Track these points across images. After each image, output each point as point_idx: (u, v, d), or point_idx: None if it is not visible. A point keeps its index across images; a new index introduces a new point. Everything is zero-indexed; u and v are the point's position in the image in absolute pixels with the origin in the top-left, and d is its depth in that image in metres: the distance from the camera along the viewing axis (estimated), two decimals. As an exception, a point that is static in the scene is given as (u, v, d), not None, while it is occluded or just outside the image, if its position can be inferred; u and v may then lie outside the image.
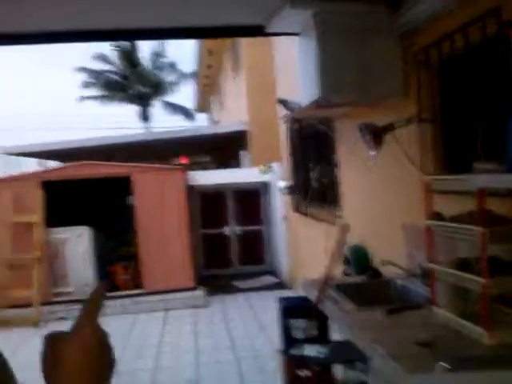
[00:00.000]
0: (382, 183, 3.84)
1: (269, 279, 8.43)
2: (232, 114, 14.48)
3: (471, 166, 2.17)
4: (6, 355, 0.76)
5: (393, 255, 3.56)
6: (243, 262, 8.75)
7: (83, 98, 26.90)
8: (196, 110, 26.89)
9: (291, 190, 6.78)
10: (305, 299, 3.61)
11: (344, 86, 3.23)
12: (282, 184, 6.85)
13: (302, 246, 7.08)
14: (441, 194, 2.39)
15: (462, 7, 2.51)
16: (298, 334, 4.13)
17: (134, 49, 26.99)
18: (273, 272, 8.67)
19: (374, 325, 2.36)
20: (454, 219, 2.27)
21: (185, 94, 28.70)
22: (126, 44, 26.60)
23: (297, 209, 6.92)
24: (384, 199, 3.82)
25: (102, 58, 26.40)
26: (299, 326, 4.06)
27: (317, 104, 3.53)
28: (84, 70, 26.14)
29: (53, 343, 0.71)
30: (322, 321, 3.31)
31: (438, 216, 2.34)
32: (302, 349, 3.48)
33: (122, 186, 7.42)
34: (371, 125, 2.99)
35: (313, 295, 3.15)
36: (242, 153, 11.56)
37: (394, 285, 3.21)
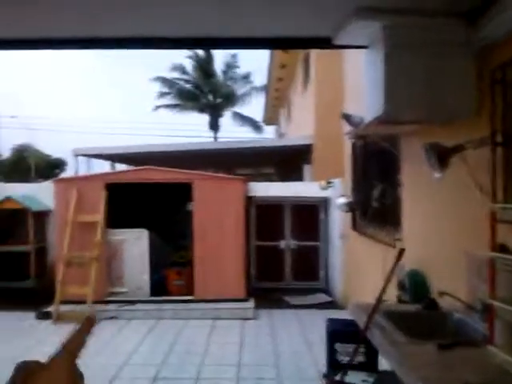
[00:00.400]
0: (446, 208, 3.60)
1: (321, 297, 8.22)
2: (298, 127, 14.42)
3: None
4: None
5: (452, 285, 3.31)
6: (296, 278, 8.59)
7: (158, 107, 27.91)
8: (264, 123, 27.09)
9: (350, 207, 6.57)
10: (353, 323, 3.44)
11: (411, 103, 3.06)
12: (342, 201, 6.65)
13: (358, 266, 6.84)
14: (509, 225, 2.17)
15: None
16: (344, 359, 3.95)
17: (208, 60, 27.69)
18: (326, 290, 8.45)
19: (423, 360, 2.17)
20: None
21: (255, 106, 29.02)
22: (201, 55, 27.39)
23: (355, 227, 6.70)
24: (447, 225, 3.58)
25: (179, 68, 27.27)
26: (345, 350, 3.88)
27: (381, 120, 3.37)
28: (160, 79, 27.09)
29: (24, 373, 0.69)
30: (370, 347, 3.11)
31: (502, 248, 2.12)
32: (345, 375, 3.30)
33: (183, 192, 7.52)
34: (438, 145, 2.79)
35: (361, 320, 2.98)
36: (305, 166, 11.43)
37: (451, 318, 2.98)
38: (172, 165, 7.79)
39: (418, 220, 4.38)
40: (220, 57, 28.35)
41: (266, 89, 20.19)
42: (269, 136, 28.68)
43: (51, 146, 46.50)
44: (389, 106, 3.04)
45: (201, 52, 27.37)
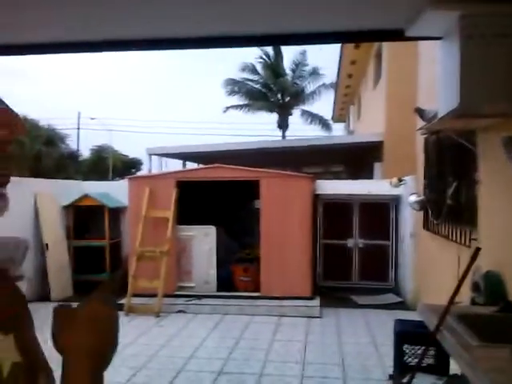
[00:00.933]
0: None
1: (390, 297, 7.99)
2: (369, 124, 14.13)
3: None
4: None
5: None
6: (364, 277, 8.41)
7: (228, 108, 28.37)
8: (333, 120, 26.78)
9: (422, 205, 6.33)
10: (423, 325, 3.31)
11: (489, 95, 2.90)
12: (414, 199, 6.42)
13: (430, 266, 6.58)
14: None
15: None
16: (412, 361, 3.82)
17: (277, 59, 27.76)
18: (395, 290, 8.21)
19: (497, 365, 2.04)
20: None
21: (323, 104, 28.76)
22: (271, 55, 27.51)
23: (427, 226, 6.46)
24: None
25: (249, 68, 27.54)
26: (414, 352, 3.74)
27: (456, 114, 3.22)
28: (230, 80, 27.49)
29: (63, 311, 0.74)
30: (441, 350, 2.98)
31: None
32: (413, 378, 3.18)
33: (250, 190, 7.59)
34: (516, 138, 2.62)
35: (431, 322, 2.85)
36: (375, 164, 11.18)
37: (530, 323, 2.78)
38: (241, 163, 7.88)
39: (496, 219, 4.14)
40: (289, 55, 28.16)
41: (335, 86, 19.93)
42: (337, 134, 28.36)
43: (128, 147, 48.61)
44: (465, 98, 2.89)
45: (270, 52, 27.49)
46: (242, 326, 6.43)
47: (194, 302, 7.29)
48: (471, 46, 2.88)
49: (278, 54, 27.71)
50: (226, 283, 7.63)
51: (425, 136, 6.37)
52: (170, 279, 7.33)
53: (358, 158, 14.73)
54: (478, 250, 2.70)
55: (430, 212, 6.16)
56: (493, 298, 3.76)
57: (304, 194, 7.39)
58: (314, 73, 27.92)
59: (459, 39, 2.90)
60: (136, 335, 6.02)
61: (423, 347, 3.59)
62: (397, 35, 3.39)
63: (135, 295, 7.12)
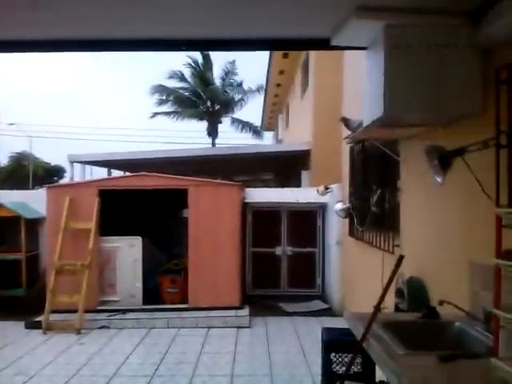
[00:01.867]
0: (447, 213, 3.48)
1: (318, 304, 8.07)
2: (297, 133, 14.34)
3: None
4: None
5: (453, 294, 3.18)
6: (292, 284, 8.45)
7: (156, 114, 27.83)
8: (262, 129, 27.02)
9: (348, 213, 6.45)
10: (350, 332, 3.30)
11: (413, 104, 2.94)
12: (339, 206, 6.53)
13: (355, 273, 6.71)
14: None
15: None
16: (340, 369, 3.81)
17: (207, 67, 27.64)
18: (323, 297, 8.31)
19: (423, 373, 2.04)
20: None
21: (253, 112, 28.93)
22: (200, 62, 27.34)
23: (352, 233, 6.58)
24: (449, 231, 3.45)
25: (177, 76, 27.20)
26: (341, 360, 3.74)
27: (381, 123, 3.26)
28: (159, 87, 27.00)
29: None
30: (368, 357, 2.97)
31: (509, 254, 2.00)
32: (342, 388, 3.16)
33: (178, 199, 7.39)
34: (439, 148, 2.67)
35: (358, 330, 2.84)
36: (303, 172, 11.33)
37: (452, 328, 2.84)
38: (169, 172, 7.67)
39: (417, 226, 4.26)
40: (218, 64, 28.12)
41: (264, 94, 20.12)
42: (268, 142, 28.63)
43: (51, 154, 46.27)
44: (389, 107, 2.92)
45: (199, 59, 27.35)
46: (169, 340, 6.21)
47: (117, 316, 6.96)
48: (396, 56, 2.92)
49: (207, 62, 27.62)
50: (152, 296, 7.37)
51: (350, 145, 6.51)
52: (92, 293, 6.97)
53: (287, 167, 14.90)
54: (401, 257, 2.72)
55: (355, 219, 6.27)
56: (415, 304, 3.84)
57: (233, 202, 7.31)
58: (241, 83, 28.09)
59: (384, 49, 2.93)
60: (55, 354, 5.64)
61: (350, 355, 3.59)
62: (323, 44, 3.41)
63: (54, 311, 6.69)
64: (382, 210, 5.10)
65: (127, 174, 12.20)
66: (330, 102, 10.39)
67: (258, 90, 26.91)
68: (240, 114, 28.98)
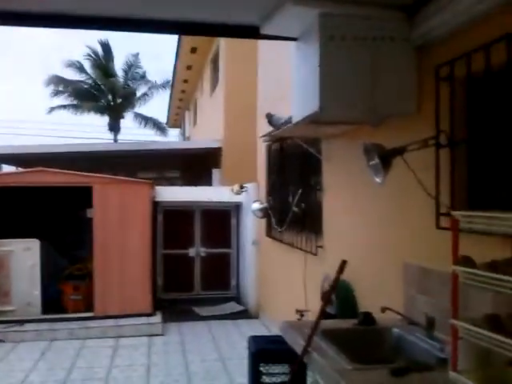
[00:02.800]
0: (381, 214, 3.39)
1: (233, 306, 7.86)
2: (206, 131, 14.01)
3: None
4: None
5: (387, 298, 3.09)
6: (206, 287, 8.16)
7: (53, 108, 26.06)
8: (168, 125, 26.31)
9: (265, 212, 6.29)
10: (278, 340, 3.10)
11: (350, 100, 2.79)
12: (256, 206, 6.35)
13: (273, 274, 6.57)
14: (473, 234, 1.94)
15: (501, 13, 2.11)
16: (269, 380, 3.61)
17: (107, 58, 26.37)
18: (238, 299, 8.11)
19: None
20: (486, 266, 1.83)
21: (158, 108, 28.11)
22: (99, 53, 25.98)
23: (269, 233, 6.43)
24: (381, 232, 3.37)
25: (75, 66, 25.66)
26: (271, 371, 3.53)
27: (314, 119, 3.09)
28: (54, 78, 25.29)
29: None
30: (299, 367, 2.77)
31: (466, 260, 1.88)
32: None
33: (82, 197, 6.78)
34: (379, 146, 2.54)
35: (295, 342, 2.63)
36: (214, 171, 11.04)
37: (390, 334, 2.74)
38: (68, 168, 6.99)
39: (343, 227, 4.17)
40: (118, 55, 26.95)
41: (170, 90, 19.52)
42: (173, 139, 27.93)
43: None
44: (325, 102, 2.74)
45: (100, 50, 25.99)
46: (74, 353, 5.65)
47: (14, 328, 6.24)
48: (331, 48, 2.75)
49: (109, 54, 26.34)
50: (53, 304, 6.69)
51: (267, 143, 6.35)
52: (-18, 304, 6.18)
53: (196, 164, 14.53)
54: (344, 262, 2.55)
55: (273, 219, 6.13)
56: (345, 309, 3.74)
57: (143, 200, 6.85)
58: (145, 75, 27.12)
59: (319, 39, 2.74)
60: None
61: (280, 365, 3.40)
62: (251, 32, 3.16)
63: None
64: (303, 210, 4.97)
65: (20, 169, 11.14)
66: (241, 99, 10.20)
67: (163, 85, 26.17)
68: (144, 109, 28.06)
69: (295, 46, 3.21)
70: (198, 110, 16.80)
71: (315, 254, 4.58)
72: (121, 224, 6.73)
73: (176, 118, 23.85)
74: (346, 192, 4.01)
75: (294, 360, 2.62)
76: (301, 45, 3.13)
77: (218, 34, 3.19)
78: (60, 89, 25.58)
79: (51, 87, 25.16)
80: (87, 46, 25.58)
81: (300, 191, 4.94)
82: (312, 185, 4.74)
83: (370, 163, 2.61)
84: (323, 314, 2.56)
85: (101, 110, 26.58)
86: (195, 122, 17.51)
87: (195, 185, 12.38)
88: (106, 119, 26.88)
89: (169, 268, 7.96)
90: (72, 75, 25.70)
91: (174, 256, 8.00)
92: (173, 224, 7.96)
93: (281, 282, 6.12)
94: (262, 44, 7.23)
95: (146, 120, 27.29)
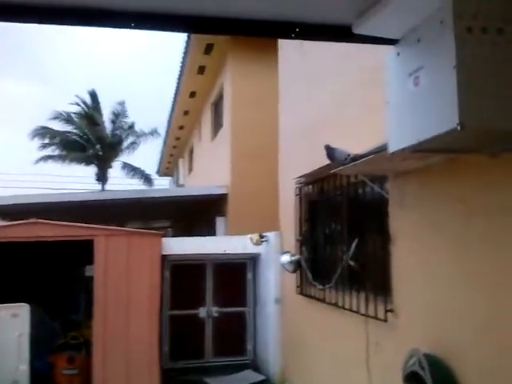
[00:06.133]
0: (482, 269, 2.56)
1: (250, 376, 6.82)
2: (205, 177, 13.21)
3: None
4: None
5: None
6: (218, 353, 7.14)
7: (40, 159, 25.23)
8: (159, 174, 25.54)
9: (297, 266, 5.40)
10: None
11: (494, 115, 2.01)
12: (287, 258, 5.46)
13: (307, 339, 5.59)
14: None
15: None
16: None
17: (94, 108, 25.89)
18: (254, 365, 7.07)
19: None
20: None
21: (147, 157, 27.40)
22: (87, 103, 25.45)
23: (303, 290, 5.51)
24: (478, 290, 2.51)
25: (62, 117, 25.11)
26: None
27: (423, 147, 2.31)
28: (41, 129, 24.67)
29: None
30: None
31: None
32: None
33: (79, 253, 5.84)
34: None
35: None
36: (218, 219, 10.16)
37: None
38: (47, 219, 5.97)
39: (417, 284, 3.32)
40: (107, 105, 26.24)
41: (164, 138, 18.84)
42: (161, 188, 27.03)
43: None
44: (467, 116, 1.94)
45: (87, 100, 25.48)
46: None
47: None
48: (471, 43, 1.99)
49: (95, 103, 25.83)
50: (43, 381, 5.62)
51: (298, 186, 5.55)
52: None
53: (194, 213, 13.64)
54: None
55: (309, 274, 5.23)
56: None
57: (152, 255, 5.96)
58: (133, 127, 26.58)
59: (453, 31, 1.98)
60: None
61: None
62: (341, 33, 2.39)
63: None
64: (360, 264, 4.10)
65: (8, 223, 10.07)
66: (249, 142, 9.53)
67: (151, 133, 25.62)
68: (132, 158, 27.23)
69: (393, 52, 2.46)
70: (194, 157, 16.06)
71: (385, 321, 3.67)
72: (127, 283, 5.81)
73: (168, 166, 23.10)
74: (418, 243, 3.19)
75: None
76: (405, 48, 2.37)
77: (296, 35, 2.35)
78: (46, 141, 24.86)
79: (37, 139, 24.44)
80: (76, 95, 25.13)
81: (356, 241, 4.08)
82: (376, 233, 3.88)
83: None
84: None
85: (88, 160, 25.80)
86: (191, 169, 16.73)
87: (191, 234, 11.44)
88: (93, 169, 26.08)
89: (176, 332, 6.92)
90: (59, 126, 25.06)
91: (182, 317, 6.99)
92: (181, 280, 6.99)
93: (317, 349, 5.16)
94: (285, 72, 6.59)
95: (134, 170, 26.52)
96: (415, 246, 3.40)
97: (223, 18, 2.28)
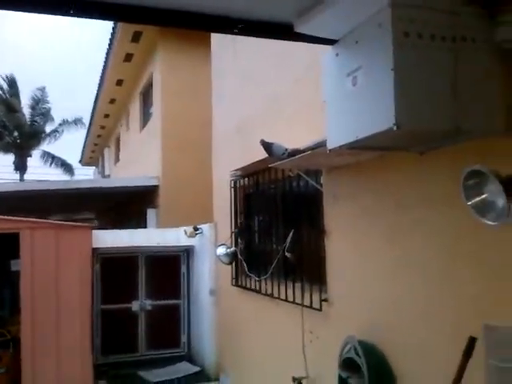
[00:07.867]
0: (421, 261, 2.76)
1: (185, 367, 6.84)
2: (133, 167, 12.93)
3: None
4: None
5: (436, 367, 2.41)
6: (152, 346, 7.08)
7: None
8: (82, 163, 24.60)
9: (233, 258, 5.47)
10: None
11: (429, 116, 2.15)
12: (222, 251, 5.50)
13: (241, 329, 5.68)
14: None
15: None
16: None
17: (13, 94, 24.45)
18: (189, 357, 7.09)
19: None
20: None
21: (70, 147, 26.35)
22: (3, 89, 23.99)
23: (238, 282, 5.59)
24: (426, 282, 2.70)
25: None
26: None
27: (359, 145, 2.43)
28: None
29: None
30: None
31: None
32: None
33: (1, 246, 5.57)
34: (495, 172, 1.89)
35: None
36: (149, 211, 10.00)
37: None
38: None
39: (351, 274, 3.49)
40: (24, 90, 24.87)
41: (88, 126, 18.17)
42: (82, 178, 26.06)
43: None
44: (403, 117, 2.07)
45: (4, 86, 24.01)
46: None
47: None
48: (407, 47, 2.12)
49: (14, 88, 24.40)
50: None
51: (232, 179, 5.60)
52: None
53: (124, 204, 13.32)
54: (473, 340, 1.82)
55: (245, 266, 5.32)
56: (376, 380, 3.02)
57: (83, 248, 5.80)
58: (48, 111, 25.36)
59: (392, 35, 2.09)
60: None
61: None
62: (283, 31, 2.46)
63: None
64: (297, 255, 4.22)
65: None
66: (181, 134, 9.46)
67: (75, 122, 24.67)
68: (55, 148, 26.09)
69: (331, 52, 2.56)
70: (121, 147, 15.64)
71: (319, 310, 3.82)
72: (56, 277, 5.64)
73: (92, 156, 22.31)
74: (351, 235, 3.36)
75: None
76: (343, 49, 2.48)
77: (240, 30, 2.39)
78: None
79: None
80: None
81: (291, 233, 4.20)
82: (310, 225, 4.02)
83: (478, 198, 1.96)
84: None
85: (6, 148, 24.38)
86: (117, 159, 16.28)
87: (120, 227, 11.16)
88: (11, 157, 24.70)
89: (108, 326, 6.78)
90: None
91: (114, 311, 6.85)
92: (113, 274, 6.84)
93: (252, 338, 5.27)
94: (217, 66, 6.56)
95: (53, 159, 25.40)
96: (349, 236, 3.56)
97: (164, 8, 2.25)
